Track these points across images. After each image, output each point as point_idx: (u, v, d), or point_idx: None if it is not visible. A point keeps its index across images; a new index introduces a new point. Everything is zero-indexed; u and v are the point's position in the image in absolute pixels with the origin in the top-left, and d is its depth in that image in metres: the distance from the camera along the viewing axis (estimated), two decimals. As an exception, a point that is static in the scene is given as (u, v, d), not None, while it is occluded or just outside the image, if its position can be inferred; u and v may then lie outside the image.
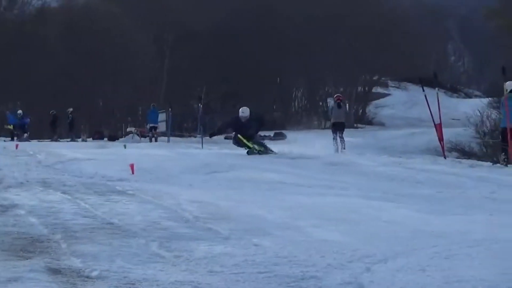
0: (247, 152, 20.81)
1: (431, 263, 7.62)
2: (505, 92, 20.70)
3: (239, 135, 20.70)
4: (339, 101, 30.47)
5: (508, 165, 19.43)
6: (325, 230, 9.43)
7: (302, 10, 68.04)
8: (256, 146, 20.50)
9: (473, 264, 7.64)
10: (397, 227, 9.77)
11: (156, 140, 40.51)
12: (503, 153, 20.19)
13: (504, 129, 20.10)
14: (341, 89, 70.42)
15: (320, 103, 71.22)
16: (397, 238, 8.93)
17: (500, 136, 20.61)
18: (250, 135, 20.79)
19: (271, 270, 7.24)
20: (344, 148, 26.54)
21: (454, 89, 65.33)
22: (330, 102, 33.80)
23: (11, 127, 40.51)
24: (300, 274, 7.05)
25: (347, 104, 63.13)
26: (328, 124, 40.37)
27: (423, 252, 8.12)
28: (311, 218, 10.32)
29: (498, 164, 20.04)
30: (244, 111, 20.77)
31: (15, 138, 37.56)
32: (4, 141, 34.22)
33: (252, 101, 66.98)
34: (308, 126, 55.06)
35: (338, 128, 27.51)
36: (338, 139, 26.98)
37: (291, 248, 8.32)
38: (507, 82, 20.81)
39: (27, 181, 13.74)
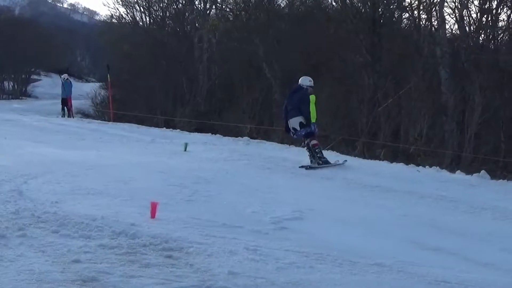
0: None
1: (63, 179, 7.65)
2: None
3: None
4: None
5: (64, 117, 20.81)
6: None
7: None
8: None
9: (88, 179, 7.76)
10: (45, 157, 9.56)
11: None
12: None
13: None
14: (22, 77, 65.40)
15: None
16: (44, 164, 8.75)
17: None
18: None
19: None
20: None
21: (80, 77, 65.32)
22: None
23: None
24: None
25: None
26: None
27: (59, 172, 8.12)
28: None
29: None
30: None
31: None
32: None
33: None
34: None
35: None
36: None
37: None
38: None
39: None
